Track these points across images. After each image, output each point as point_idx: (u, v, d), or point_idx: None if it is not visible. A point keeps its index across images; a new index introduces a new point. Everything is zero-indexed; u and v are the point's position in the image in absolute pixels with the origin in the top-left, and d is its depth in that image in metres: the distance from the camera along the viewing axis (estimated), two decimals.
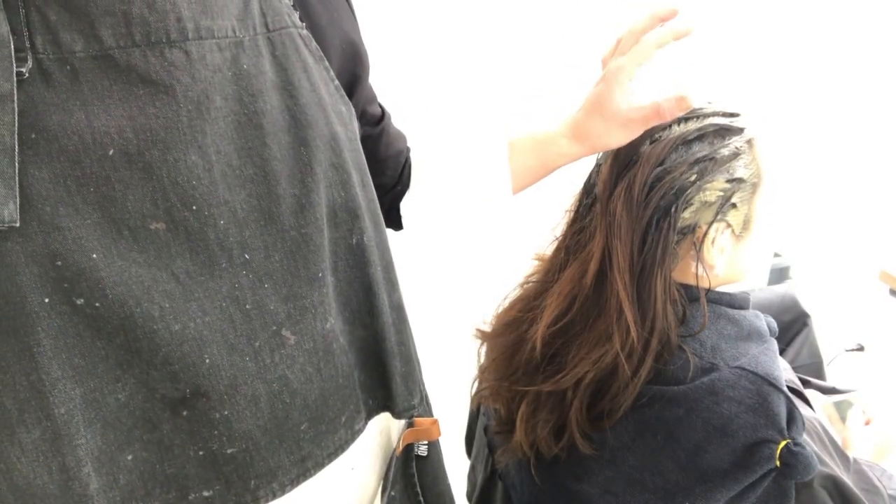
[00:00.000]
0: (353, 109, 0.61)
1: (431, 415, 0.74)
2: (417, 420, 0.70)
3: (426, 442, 0.71)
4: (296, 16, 0.55)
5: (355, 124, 0.61)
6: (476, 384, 0.90)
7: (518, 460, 0.84)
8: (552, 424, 0.77)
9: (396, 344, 0.63)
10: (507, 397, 0.83)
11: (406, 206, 0.79)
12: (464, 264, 1.42)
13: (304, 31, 0.55)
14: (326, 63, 0.57)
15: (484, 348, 0.88)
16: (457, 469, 1.04)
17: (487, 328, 0.87)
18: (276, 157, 0.52)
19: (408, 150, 0.80)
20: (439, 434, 0.71)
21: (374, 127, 0.74)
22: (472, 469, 1.00)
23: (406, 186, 0.79)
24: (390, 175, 0.78)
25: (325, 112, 0.55)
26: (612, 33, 0.77)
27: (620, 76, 0.72)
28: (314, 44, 0.56)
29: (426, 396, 0.72)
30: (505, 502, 0.89)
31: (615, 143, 0.74)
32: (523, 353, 0.80)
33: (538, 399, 0.78)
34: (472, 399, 0.92)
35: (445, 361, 1.33)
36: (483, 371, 0.87)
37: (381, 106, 0.75)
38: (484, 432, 0.93)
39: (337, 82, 0.58)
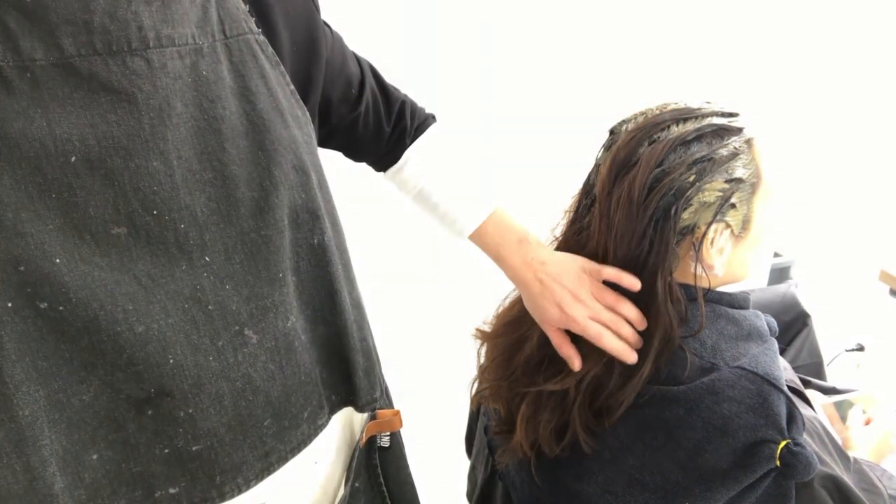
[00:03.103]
0: (307, 114, 0.60)
1: (392, 406, 0.74)
2: (380, 412, 0.71)
3: (388, 433, 0.73)
4: (252, 22, 0.55)
5: (311, 128, 0.61)
6: (476, 384, 0.89)
7: (518, 460, 0.83)
8: (554, 424, 0.77)
9: (359, 340, 0.64)
10: (507, 397, 0.82)
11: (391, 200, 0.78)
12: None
13: (261, 37, 0.55)
14: (282, 68, 0.57)
15: (484, 348, 0.88)
16: (457, 469, 1.04)
17: (487, 328, 0.87)
18: (234, 161, 0.52)
19: (404, 100, 0.77)
20: (401, 424, 0.73)
21: (353, 111, 0.72)
22: (473, 469, 1.00)
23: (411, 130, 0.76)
24: (390, 131, 0.75)
25: (282, 116, 0.56)
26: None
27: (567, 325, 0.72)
28: (270, 49, 0.56)
29: (386, 389, 0.73)
30: (505, 502, 0.89)
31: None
32: (523, 353, 0.79)
33: (539, 399, 0.78)
34: (472, 399, 0.91)
35: (441, 361, 1.32)
36: (483, 371, 0.87)
37: (359, 86, 0.72)
38: (484, 432, 0.93)
39: (293, 87, 0.59)
